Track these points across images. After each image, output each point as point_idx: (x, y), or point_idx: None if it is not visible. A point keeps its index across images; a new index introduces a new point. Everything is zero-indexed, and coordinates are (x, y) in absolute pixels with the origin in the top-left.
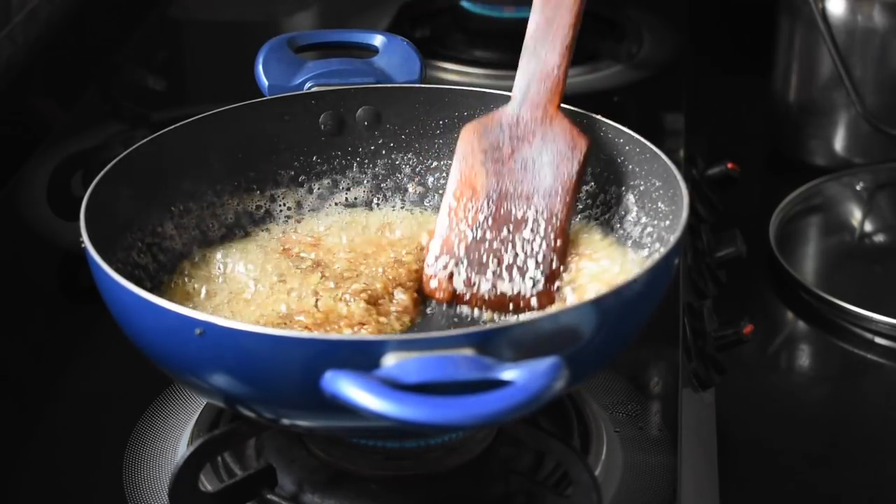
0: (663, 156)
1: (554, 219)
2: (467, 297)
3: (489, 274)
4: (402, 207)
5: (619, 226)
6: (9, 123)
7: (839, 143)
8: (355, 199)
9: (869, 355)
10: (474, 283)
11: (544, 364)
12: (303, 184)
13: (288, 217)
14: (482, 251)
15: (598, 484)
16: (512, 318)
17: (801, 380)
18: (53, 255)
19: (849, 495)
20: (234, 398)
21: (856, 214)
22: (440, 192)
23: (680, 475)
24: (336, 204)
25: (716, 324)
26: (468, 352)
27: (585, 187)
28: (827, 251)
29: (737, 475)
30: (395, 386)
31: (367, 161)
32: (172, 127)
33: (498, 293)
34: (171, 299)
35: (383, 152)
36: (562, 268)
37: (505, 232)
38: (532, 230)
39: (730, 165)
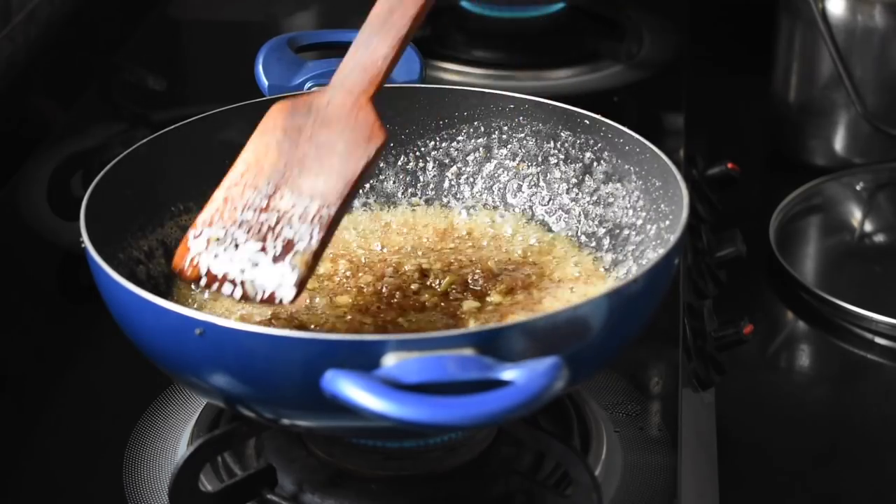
0: (663, 156)
1: (324, 210)
2: (219, 277)
3: (244, 257)
4: (400, 207)
5: (618, 225)
6: (9, 123)
7: (839, 143)
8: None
9: (869, 355)
10: (230, 264)
11: (544, 364)
12: None
13: None
14: (245, 232)
15: (598, 484)
16: (512, 319)
17: (801, 380)
18: (53, 255)
19: (849, 495)
20: (234, 398)
21: (856, 214)
22: (439, 191)
23: (680, 475)
24: None
25: (716, 324)
26: (468, 352)
27: (585, 188)
28: (827, 251)
29: (737, 475)
30: (396, 386)
31: None
32: (172, 127)
33: (248, 279)
34: (171, 299)
35: (383, 152)
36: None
37: (274, 215)
38: (300, 217)
39: (730, 165)
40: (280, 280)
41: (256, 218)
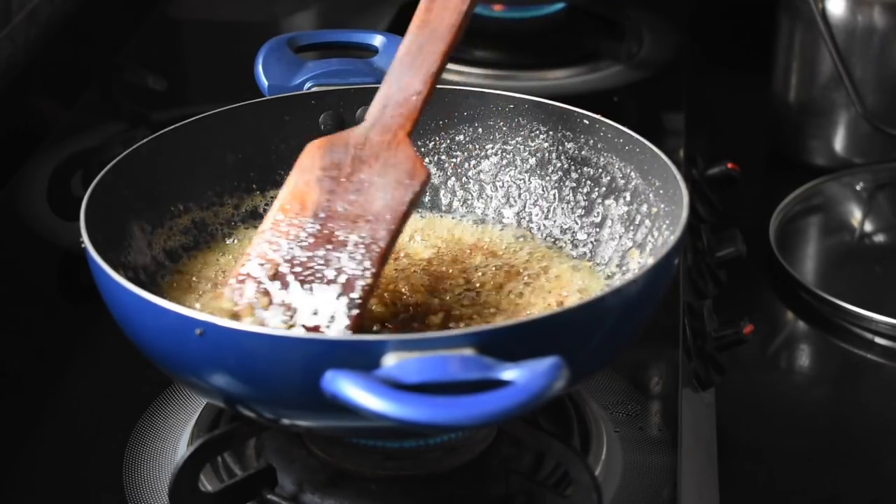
0: (663, 156)
1: (374, 245)
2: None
3: (295, 293)
4: None
5: (619, 226)
6: (9, 123)
7: (839, 143)
8: None
9: (869, 355)
10: (279, 301)
11: (544, 364)
12: None
13: None
14: (294, 269)
15: (598, 484)
16: (512, 319)
17: (801, 380)
18: (53, 255)
19: (849, 495)
20: (234, 398)
21: (856, 214)
22: (440, 192)
23: (680, 475)
24: None
25: (716, 324)
26: (468, 352)
27: (586, 189)
28: (827, 251)
29: (737, 475)
30: (396, 386)
31: None
32: (172, 127)
33: (300, 312)
34: (171, 299)
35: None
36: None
37: (322, 252)
38: (350, 255)
39: (730, 165)
40: (333, 313)
41: (305, 255)
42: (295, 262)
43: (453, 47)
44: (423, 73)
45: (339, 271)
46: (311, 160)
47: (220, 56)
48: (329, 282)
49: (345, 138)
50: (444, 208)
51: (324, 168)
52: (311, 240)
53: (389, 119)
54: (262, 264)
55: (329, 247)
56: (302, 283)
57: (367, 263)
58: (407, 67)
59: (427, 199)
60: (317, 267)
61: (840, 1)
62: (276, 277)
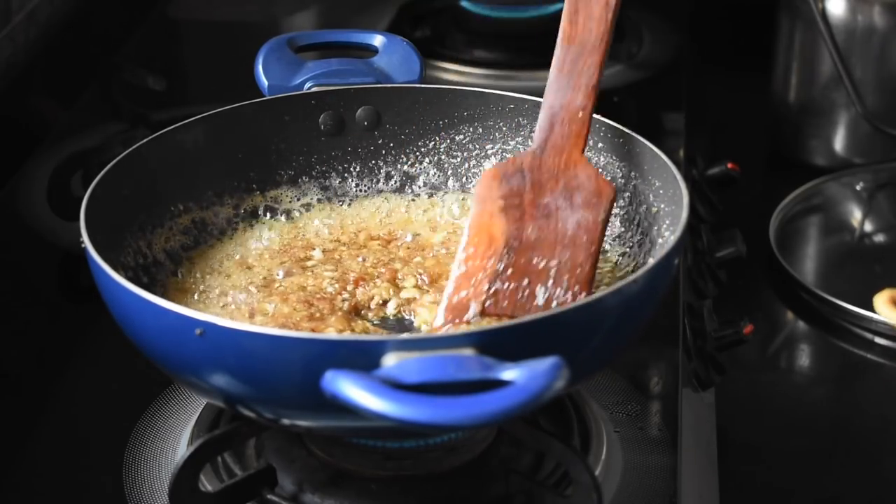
0: (663, 156)
1: (578, 269)
2: None
3: None
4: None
5: (619, 226)
6: (9, 123)
7: (839, 143)
8: (355, 199)
9: (869, 355)
10: None
11: (544, 364)
12: (302, 184)
13: (289, 217)
14: (500, 304)
15: (598, 484)
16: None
17: (801, 380)
18: (53, 255)
19: (849, 495)
20: (234, 398)
21: (856, 214)
22: (440, 192)
23: (680, 475)
24: (336, 204)
25: (716, 324)
26: (468, 352)
27: None
28: (827, 251)
29: (737, 475)
30: (396, 386)
31: (367, 161)
32: (172, 127)
33: None
34: (171, 299)
35: (383, 152)
36: None
37: (525, 282)
38: (554, 281)
39: (730, 165)
40: None
41: (509, 287)
42: (500, 295)
43: (606, 56)
44: (584, 86)
45: (549, 300)
46: (488, 191)
47: (220, 56)
48: (538, 311)
49: (517, 164)
50: (440, 206)
51: (504, 196)
52: (510, 271)
53: (560, 139)
54: (463, 303)
55: (530, 277)
56: (511, 317)
57: (577, 288)
58: (566, 82)
59: (427, 200)
60: (522, 298)
61: (840, 1)
62: (486, 314)
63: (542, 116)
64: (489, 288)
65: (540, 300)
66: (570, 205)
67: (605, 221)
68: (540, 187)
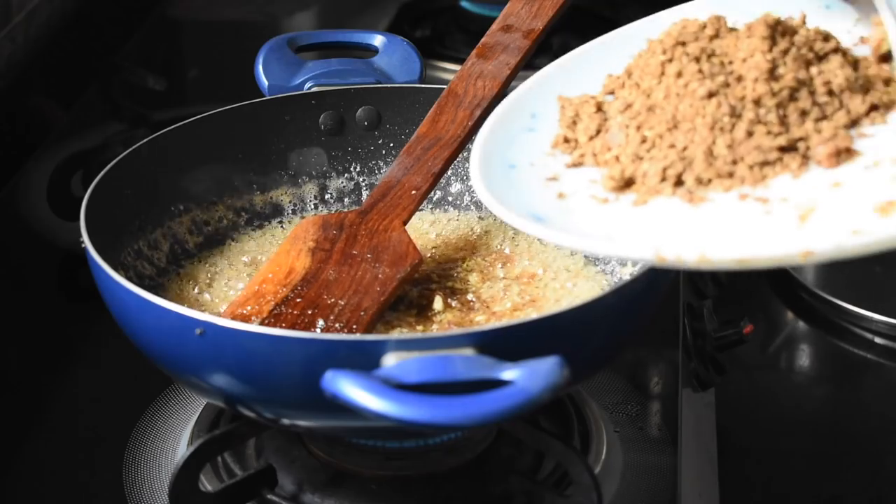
0: None
1: (361, 313)
2: None
3: None
4: None
5: None
6: (9, 123)
7: None
8: (355, 199)
9: (869, 355)
10: None
11: (544, 364)
12: (302, 184)
13: (289, 217)
14: (278, 325)
15: (598, 484)
16: (512, 319)
17: (801, 380)
18: (53, 255)
19: (849, 495)
20: (234, 398)
21: None
22: (440, 192)
23: (680, 475)
24: (336, 204)
25: (716, 324)
26: (468, 352)
27: None
28: None
29: (737, 475)
30: (396, 386)
31: (367, 161)
32: (172, 127)
33: None
34: (171, 299)
35: (383, 152)
36: None
37: (309, 312)
38: (336, 317)
39: None
40: None
41: (290, 311)
42: (281, 318)
43: (457, 154)
44: (426, 171)
45: (325, 330)
46: (304, 233)
47: (220, 56)
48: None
49: (340, 218)
50: (440, 205)
51: (316, 241)
52: (299, 300)
53: (387, 207)
54: (247, 316)
55: (314, 310)
56: None
57: (354, 328)
58: (409, 165)
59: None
60: (302, 325)
61: None
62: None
63: (380, 183)
64: (273, 309)
65: (317, 330)
66: (375, 259)
67: (404, 281)
68: (354, 240)
